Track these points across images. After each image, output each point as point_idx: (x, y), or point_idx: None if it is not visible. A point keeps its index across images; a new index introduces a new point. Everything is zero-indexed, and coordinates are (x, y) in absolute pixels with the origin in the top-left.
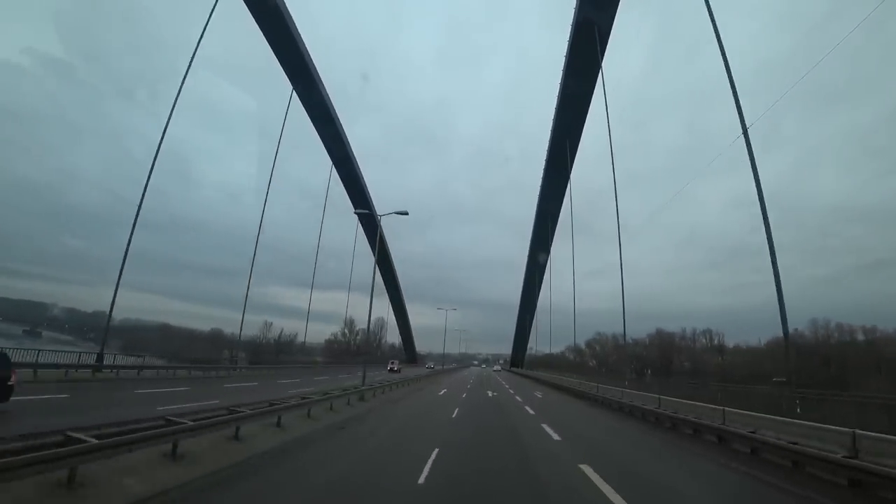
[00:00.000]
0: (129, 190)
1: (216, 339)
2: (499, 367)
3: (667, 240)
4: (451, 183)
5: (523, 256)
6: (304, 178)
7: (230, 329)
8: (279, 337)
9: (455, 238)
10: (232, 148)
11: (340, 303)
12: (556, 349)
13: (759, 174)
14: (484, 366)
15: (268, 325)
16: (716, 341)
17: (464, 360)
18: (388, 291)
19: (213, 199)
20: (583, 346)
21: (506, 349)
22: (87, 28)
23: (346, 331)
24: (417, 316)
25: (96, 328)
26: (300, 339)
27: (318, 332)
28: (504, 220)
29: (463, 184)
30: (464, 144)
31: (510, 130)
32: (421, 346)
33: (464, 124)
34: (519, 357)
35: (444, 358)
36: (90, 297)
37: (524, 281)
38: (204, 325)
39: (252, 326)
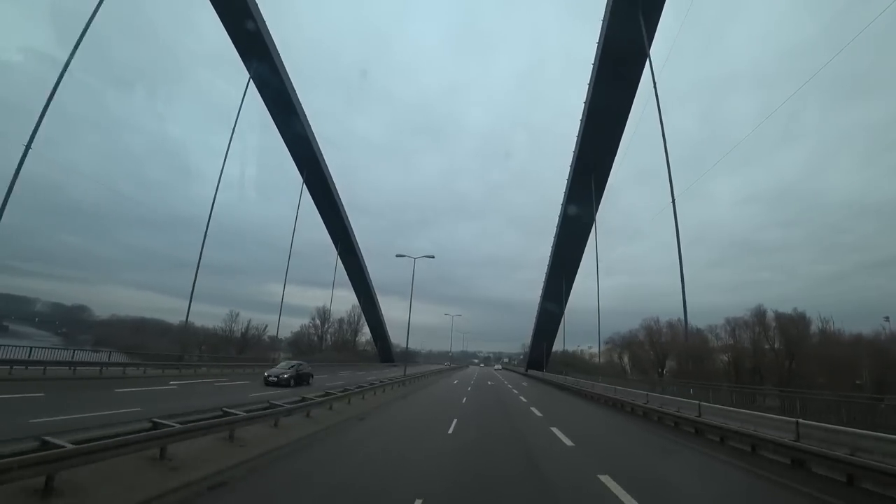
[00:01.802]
0: (123, 184)
1: (188, 333)
2: (499, 367)
3: (675, 236)
4: (455, 179)
5: (529, 253)
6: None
7: (200, 322)
8: (246, 330)
9: (458, 235)
10: (221, 144)
11: (320, 299)
12: (579, 346)
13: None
14: (482, 364)
15: (233, 316)
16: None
17: (463, 359)
18: (348, 275)
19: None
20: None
21: (508, 348)
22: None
23: (318, 321)
24: (419, 314)
25: (68, 323)
26: (271, 331)
27: (293, 325)
28: (510, 217)
29: (468, 179)
30: (470, 140)
31: (520, 123)
32: (419, 345)
33: (472, 118)
34: (538, 356)
35: (407, 354)
36: (80, 294)
37: (548, 270)
38: (195, 319)
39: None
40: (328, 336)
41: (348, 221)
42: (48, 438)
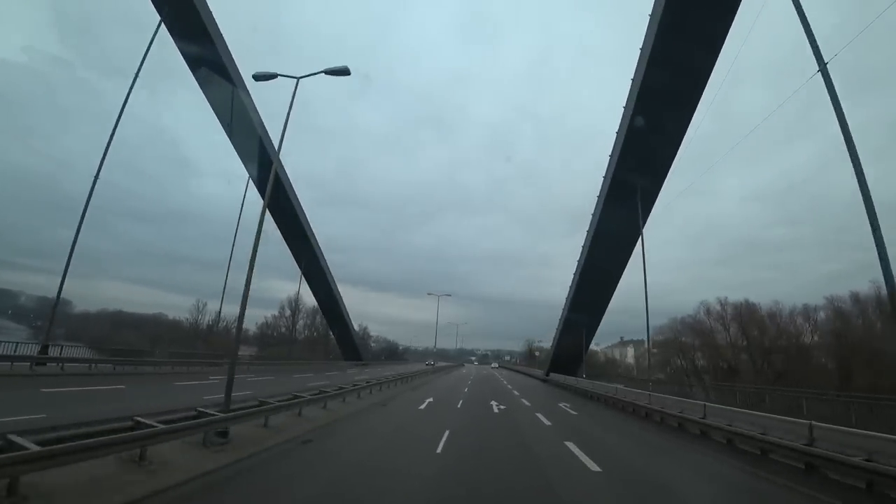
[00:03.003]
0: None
1: (159, 325)
2: (496, 365)
3: (681, 234)
4: (459, 173)
5: (532, 250)
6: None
7: (173, 314)
8: (216, 321)
9: (460, 231)
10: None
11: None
12: (604, 345)
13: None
14: (477, 363)
15: (201, 307)
16: None
17: (460, 357)
18: (288, 245)
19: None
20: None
21: (507, 346)
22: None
23: (289, 310)
24: (418, 311)
25: (43, 316)
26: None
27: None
28: (513, 213)
29: (471, 174)
30: (475, 134)
31: (528, 116)
32: (411, 341)
33: (477, 111)
34: (566, 357)
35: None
36: (75, 288)
37: (585, 252)
38: (177, 313)
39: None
40: (298, 329)
41: (297, 200)
42: None
